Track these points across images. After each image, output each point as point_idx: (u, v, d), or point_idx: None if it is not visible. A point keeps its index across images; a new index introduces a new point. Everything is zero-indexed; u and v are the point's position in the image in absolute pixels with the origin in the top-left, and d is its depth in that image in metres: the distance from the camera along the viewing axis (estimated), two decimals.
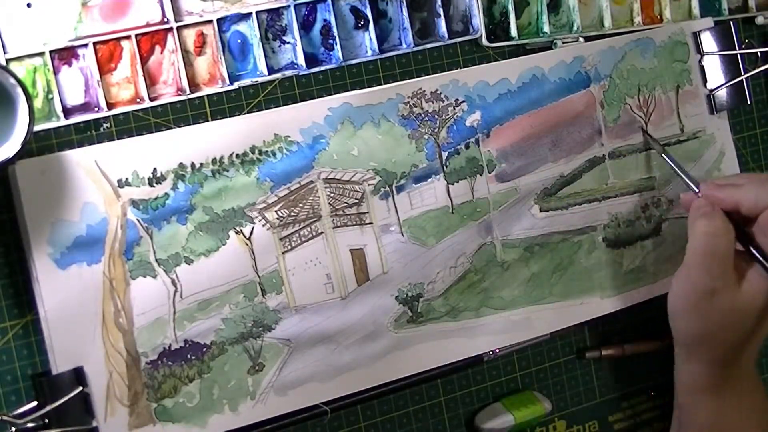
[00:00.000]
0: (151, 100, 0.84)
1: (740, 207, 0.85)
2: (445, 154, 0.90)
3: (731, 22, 1.00)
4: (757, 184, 0.85)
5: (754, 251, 0.84)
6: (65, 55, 0.82)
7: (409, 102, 0.89)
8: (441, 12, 0.92)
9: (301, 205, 0.86)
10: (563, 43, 0.95)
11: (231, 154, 0.84)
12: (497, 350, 0.93)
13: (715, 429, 0.88)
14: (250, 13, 0.86)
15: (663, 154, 0.95)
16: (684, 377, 0.90)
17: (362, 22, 0.90)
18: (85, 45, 0.82)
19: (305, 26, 0.89)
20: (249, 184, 0.84)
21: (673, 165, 0.94)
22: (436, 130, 0.90)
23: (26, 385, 0.81)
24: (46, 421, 0.78)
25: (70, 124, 0.82)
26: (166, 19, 0.84)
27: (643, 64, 0.97)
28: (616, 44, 0.96)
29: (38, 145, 0.81)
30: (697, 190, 0.89)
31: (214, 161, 0.83)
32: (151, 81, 0.84)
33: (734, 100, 1.00)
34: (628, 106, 0.97)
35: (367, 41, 0.91)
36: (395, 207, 0.89)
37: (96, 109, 0.82)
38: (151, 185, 0.81)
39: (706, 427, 0.88)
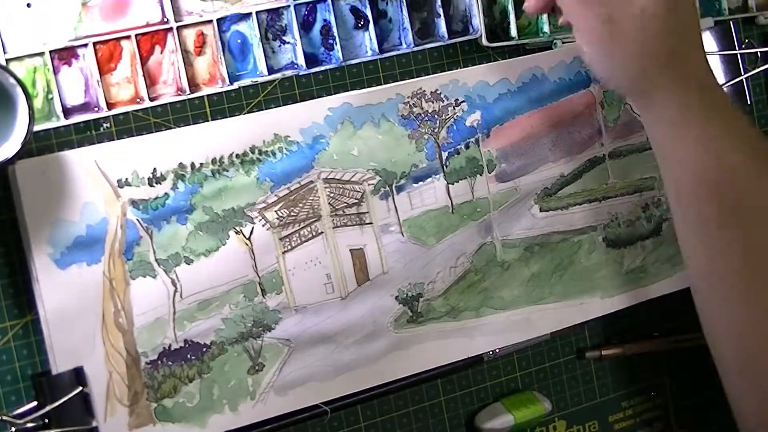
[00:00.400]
0: (151, 100, 0.84)
1: None
2: (445, 154, 0.90)
3: (731, 22, 1.00)
4: None
5: None
6: (65, 55, 0.82)
7: (409, 102, 0.89)
8: (441, 12, 0.92)
9: (301, 205, 0.86)
10: (563, 43, 0.95)
11: (231, 154, 0.84)
12: (497, 350, 0.93)
13: (700, 159, 0.79)
14: (250, 13, 0.86)
15: None
16: (656, 128, 0.81)
17: (362, 22, 0.90)
18: (85, 45, 0.82)
19: (305, 26, 0.89)
20: (249, 184, 0.84)
21: None
22: (436, 130, 0.90)
23: (26, 385, 0.81)
24: (46, 421, 0.78)
25: (70, 124, 0.82)
26: (165, 19, 0.84)
27: None
28: None
29: (38, 145, 0.81)
30: None
31: (214, 161, 0.83)
32: (151, 81, 0.84)
33: (734, 100, 1.00)
34: (628, 106, 0.96)
35: (367, 41, 0.91)
36: (395, 207, 0.89)
37: (96, 109, 0.82)
38: (151, 185, 0.81)
39: (693, 157, 0.79)
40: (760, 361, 0.80)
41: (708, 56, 0.98)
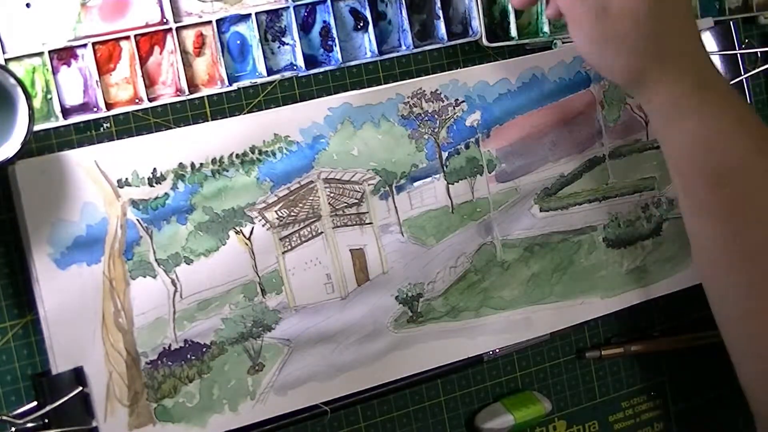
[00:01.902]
0: (150, 100, 0.84)
1: None
2: (445, 154, 0.90)
3: (731, 22, 1.00)
4: None
5: None
6: (64, 55, 0.82)
7: (409, 102, 0.89)
8: (440, 14, 0.92)
9: (301, 205, 0.86)
10: (563, 43, 0.95)
11: (231, 154, 0.84)
12: (497, 350, 0.93)
13: (698, 153, 0.80)
14: (250, 14, 0.86)
15: None
16: (654, 118, 0.82)
17: (361, 24, 0.90)
18: (84, 45, 0.82)
19: (304, 27, 0.89)
20: (249, 184, 0.84)
21: None
22: (436, 130, 0.90)
23: (26, 385, 0.81)
24: (46, 421, 0.78)
25: (70, 124, 0.82)
26: (165, 20, 0.84)
27: None
28: None
29: (38, 145, 0.81)
30: None
31: (214, 161, 0.83)
32: (150, 81, 0.84)
33: None
34: (629, 105, 0.97)
35: (367, 43, 0.91)
36: (395, 207, 0.89)
37: (95, 109, 0.82)
38: (151, 185, 0.82)
39: (690, 151, 0.80)
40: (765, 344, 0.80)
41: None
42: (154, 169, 0.82)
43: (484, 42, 0.93)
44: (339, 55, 0.89)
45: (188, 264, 0.83)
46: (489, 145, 0.92)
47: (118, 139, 0.83)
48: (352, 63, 0.90)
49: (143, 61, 0.84)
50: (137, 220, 0.81)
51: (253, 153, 0.84)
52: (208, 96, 0.86)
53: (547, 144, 0.94)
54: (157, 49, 0.84)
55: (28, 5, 0.81)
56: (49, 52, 0.81)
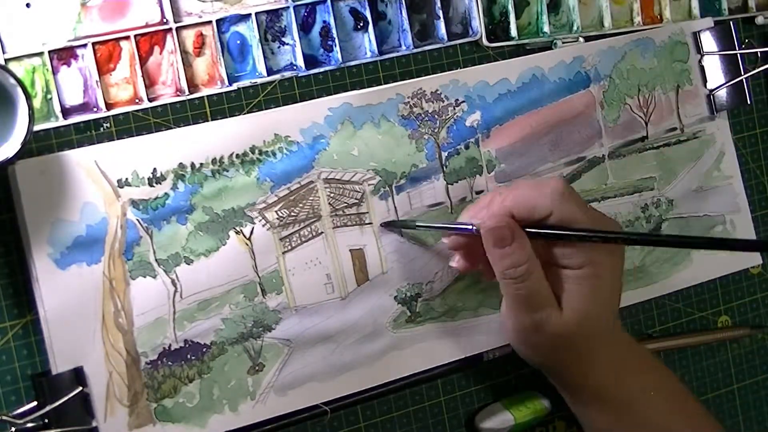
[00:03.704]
0: (150, 100, 0.84)
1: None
2: (444, 154, 0.90)
3: (731, 22, 1.00)
4: (529, 191, 0.81)
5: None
6: (64, 55, 0.82)
7: (409, 102, 0.89)
8: (440, 14, 0.92)
9: (301, 205, 0.86)
10: (563, 43, 0.95)
11: (231, 154, 0.84)
12: (497, 350, 0.93)
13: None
14: (250, 14, 0.86)
15: (418, 227, 0.89)
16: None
17: (361, 24, 0.90)
18: (84, 45, 0.82)
19: (304, 27, 0.89)
20: (249, 184, 0.84)
21: (435, 226, 0.89)
22: (436, 130, 0.90)
23: (26, 385, 0.81)
24: (46, 421, 0.78)
25: (70, 124, 0.82)
26: (165, 20, 0.84)
27: (643, 64, 0.97)
28: (616, 44, 0.96)
29: (38, 145, 0.81)
30: (472, 227, 0.82)
31: (214, 161, 0.83)
32: (150, 81, 0.84)
33: (734, 100, 1.00)
34: (628, 106, 0.97)
35: (367, 43, 0.91)
36: (395, 207, 0.89)
37: (95, 109, 0.82)
38: (151, 185, 0.82)
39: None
40: None
41: (708, 56, 0.99)
42: (154, 169, 0.82)
43: (484, 42, 0.93)
44: (339, 55, 0.89)
45: (188, 264, 0.83)
46: (489, 145, 0.92)
47: (118, 139, 0.83)
48: (352, 63, 0.90)
49: (143, 61, 0.84)
50: (137, 220, 0.81)
51: (253, 153, 0.84)
52: (208, 96, 0.86)
53: (547, 144, 0.94)
54: (157, 49, 0.84)
55: (28, 5, 0.81)
56: (49, 52, 0.81)
